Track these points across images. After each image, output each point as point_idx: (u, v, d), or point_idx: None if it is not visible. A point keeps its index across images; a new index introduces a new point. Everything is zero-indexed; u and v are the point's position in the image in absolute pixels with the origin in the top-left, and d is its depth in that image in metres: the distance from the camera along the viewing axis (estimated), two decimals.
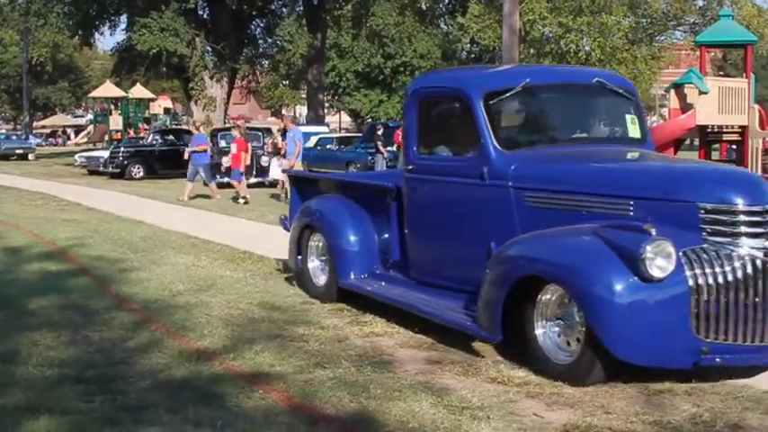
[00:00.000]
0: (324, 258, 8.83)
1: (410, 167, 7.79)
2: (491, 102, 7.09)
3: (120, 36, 64.54)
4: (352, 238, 8.40)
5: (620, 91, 7.70)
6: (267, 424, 5.05)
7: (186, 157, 21.55)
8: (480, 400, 5.50)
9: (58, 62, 72.79)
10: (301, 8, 37.13)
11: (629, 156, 7.37)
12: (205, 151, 21.48)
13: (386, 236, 8.28)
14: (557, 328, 6.12)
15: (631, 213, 6.07)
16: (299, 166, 20.00)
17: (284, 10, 34.88)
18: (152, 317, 7.88)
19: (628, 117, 7.72)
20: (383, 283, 8.05)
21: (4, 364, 6.28)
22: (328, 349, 6.79)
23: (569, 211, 6.41)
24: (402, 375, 6.10)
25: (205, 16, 32.53)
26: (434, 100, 7.90)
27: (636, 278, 5.57)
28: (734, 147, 20.68)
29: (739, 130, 18.32)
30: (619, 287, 5.59)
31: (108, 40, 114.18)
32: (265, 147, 23.86)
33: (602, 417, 5.21)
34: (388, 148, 29.39)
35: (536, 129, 7.76)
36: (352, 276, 8.30)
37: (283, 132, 21.35)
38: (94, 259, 11.24)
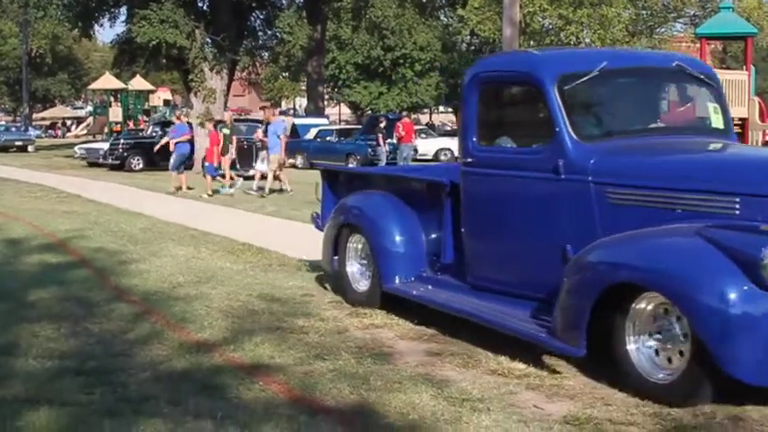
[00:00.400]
0: (365, 261, 8.10)
1: (469, 160, 7.00)
2: (566, 87, 6.35)
3: (119, 28, 64.60)
4: (398, 238, 7.65)
5: (702, 77, 6.99)
6: (267, 415, 5.04)
7: (171, 148, 21.48)
8: (480, 392, 5.50)
9: (57, 54, 72.74)
10: (301, 0, 37.07)
11: (724, 148, 6.66)
12: (188, 141, 21.40)
13: (434, 236, 7.55)
14: (652, 342, 5.44)
15: (737, 212, 5.40)
16: (274, 160, 19.85)
17: (284, 2, 34.76)
18: (152, 309, 7.88)
19: (710, 105, 7.02)
20: (434, 288, 7.33)
21: (4, 356, 6.28)
22: (328, 341, 6.79)
23: (661, 209, 5.73)
24: (402, 367, 6.10)
25: (205, 8, 32.42)
26: (498, 85, 7.19)
27: (754, 285, 4.92)
28: None
29: (739, 122, 18.30)
30: (734, 295, 4.91)
31: (108, 31, 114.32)
32: (255, 136, 23.76)
33: (603, 408, 5.21)
34: (388, 141, 29.45)
35: (614, 117, 6.90)
36: (398, 281, 7.58)
37: (266, 125, 21.17)
38: (94, 251, 11.24)
